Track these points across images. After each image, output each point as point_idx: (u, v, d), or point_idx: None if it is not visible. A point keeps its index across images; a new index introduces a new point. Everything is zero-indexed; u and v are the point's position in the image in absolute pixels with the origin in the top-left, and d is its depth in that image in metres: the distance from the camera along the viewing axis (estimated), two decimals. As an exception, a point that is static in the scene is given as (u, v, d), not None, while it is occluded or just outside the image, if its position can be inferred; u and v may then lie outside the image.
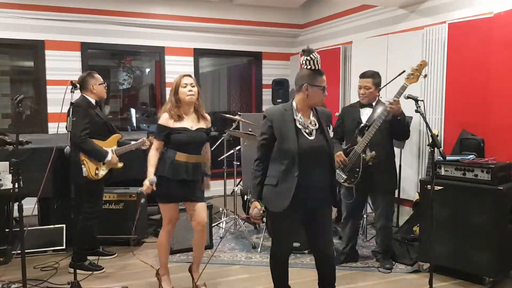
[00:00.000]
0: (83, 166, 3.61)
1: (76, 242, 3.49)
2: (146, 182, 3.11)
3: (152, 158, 3.18)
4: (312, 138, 2.66)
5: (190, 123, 3.20)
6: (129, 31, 6.26)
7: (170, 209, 3.27)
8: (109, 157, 3.77)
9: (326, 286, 2.91)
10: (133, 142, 4.00)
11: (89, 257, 3.96)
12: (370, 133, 3.61)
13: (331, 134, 2.79)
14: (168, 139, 3.18)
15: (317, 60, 2.61)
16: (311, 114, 2.73)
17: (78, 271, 3.35)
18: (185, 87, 3.17)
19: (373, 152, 3.61)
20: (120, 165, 3.94)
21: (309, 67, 2.63)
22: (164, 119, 3.17)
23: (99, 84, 3.85)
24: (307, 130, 2.67)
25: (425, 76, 3.54)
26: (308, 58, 2.60)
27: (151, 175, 3.12)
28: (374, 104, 3.81)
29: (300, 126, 2.66)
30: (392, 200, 3.96)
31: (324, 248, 2.81)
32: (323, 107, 2.96)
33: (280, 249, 2.87)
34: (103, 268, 3.84)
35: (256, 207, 2.70)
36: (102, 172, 3.79)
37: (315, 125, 2.70)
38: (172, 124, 3.16)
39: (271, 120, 2.69)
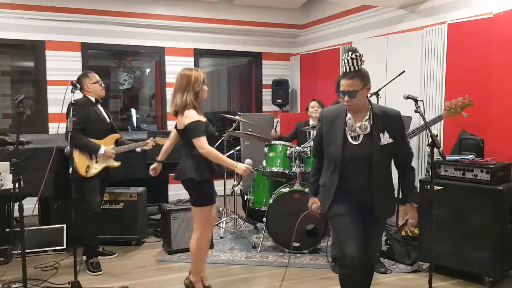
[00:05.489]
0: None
1: (79, 240, 3.56)
2: (244, 166, 3.00)
3: (219, 152, 3.03)
4: (356, 143, 2.50)
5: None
6: (130, 31, 6.27)
7: (212, 210, 3.19)
8: (101, 151, 3.77)
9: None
10: (138, 143, 4.00)
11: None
12: None
13: (385, 140, 2.50)
14: None
15: (345, 61, 2.43)
16: (364, 118, 2.50)
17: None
18: (206, 84, 3.12)
19: None
20: (116, 164, 3.94)
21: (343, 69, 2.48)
22: (195, 114, 3.01)
23: (93, 83, 3.87)
24: (352, 134, 2.50)
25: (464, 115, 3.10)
26: (343, 59, 2.45)
27: (238, 163, 3.02)
28: None
29: (347, 129, 2.52)
30: None
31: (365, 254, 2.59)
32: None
33: (345, 256, 2.50)
34: (100, 270, 3.82)
35: (315, 203, 2.73)
36: (94, 170, 3.79)
37: (365, 129, 2.48)
38: (202, 118, 3.05)
39: (321, 122, 2.64)
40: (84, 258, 3.91)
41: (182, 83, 3.05)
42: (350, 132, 2.51)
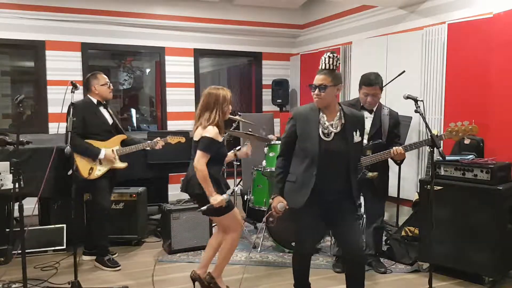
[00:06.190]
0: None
1: (93, 237, 3.78)
2: (219, 198, 2.98)
3: (208, 177, 2.99)
4: (328, 139, 2.67)
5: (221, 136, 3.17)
6: (130, 31, 6.27)
7: (235, 210, 3.24)
8: (101, 155, 3.77)
9: (355, 285, 2.86)
10: (146, 142, 4.00)
11: (86, 257, 4.03)
12: (385, 155, 3.41)
13: (357, 138, 2.73)
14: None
15: (322, 59, 2.68)
16: (336, 117, 2.71)
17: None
18: (231, 103, 3.15)
19: (376, 173, 3.48)
20: (122, 165, 3.94)
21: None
22: (215, 133, 3.04)
23: (102, 85, 3.86)
24: (325, 131, 2.68)
25: (467, 141, 3.23)
26: (322, 58, 2.69)
27: (217, 194, 3.00)
28: (374, 109, 3.63)
29: (320, 125, 2.69)
30: (384, 200, 3.94)
31: (352, 248, 2.76)
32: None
33: (303, 246, 2.90)
34: (119, 265, 3.87)
35: (282, 202, 2.77)
36: (98, 172, 3.79)
37: (337, 128, 2.69)
38: (220, 138, 3.09)
39: (295, 119, 2.77)
40: (86, 258, 3.97)
41: (210, 102, 3.08)
42: (322, 129, 2.69)
